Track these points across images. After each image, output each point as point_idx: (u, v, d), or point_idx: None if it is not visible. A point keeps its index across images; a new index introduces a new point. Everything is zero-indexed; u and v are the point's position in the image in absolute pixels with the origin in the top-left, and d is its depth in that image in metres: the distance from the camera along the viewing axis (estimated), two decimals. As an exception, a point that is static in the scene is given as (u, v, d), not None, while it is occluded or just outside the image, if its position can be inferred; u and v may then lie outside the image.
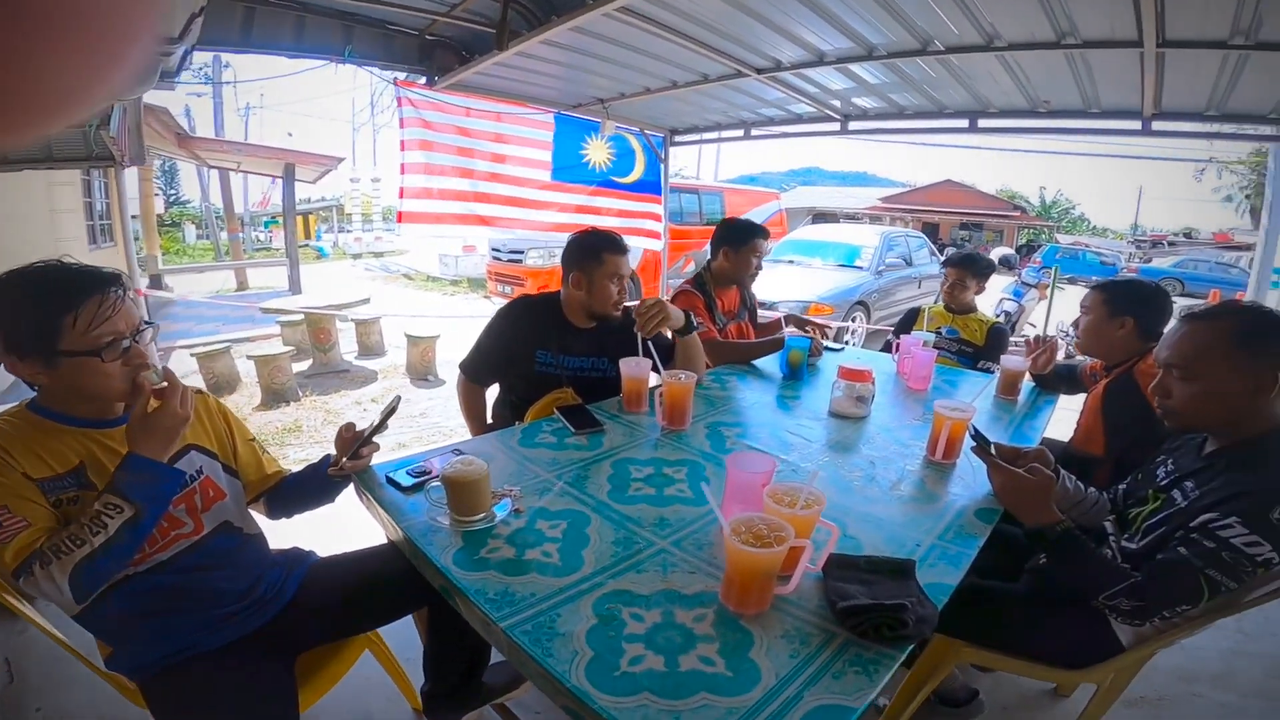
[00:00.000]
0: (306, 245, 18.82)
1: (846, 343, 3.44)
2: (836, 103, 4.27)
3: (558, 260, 2.76)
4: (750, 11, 2.86)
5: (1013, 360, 2.23)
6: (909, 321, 3.10)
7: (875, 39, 3.03)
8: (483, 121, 4.45)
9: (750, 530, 0.99)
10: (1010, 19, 2.57)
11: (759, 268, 2.73)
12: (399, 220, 4.02)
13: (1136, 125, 3.47)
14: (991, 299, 7.82)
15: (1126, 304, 1.97)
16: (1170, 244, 22.93)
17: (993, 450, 1.42)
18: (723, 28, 3.09)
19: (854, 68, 3.40)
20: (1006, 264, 7.87)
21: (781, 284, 6.86)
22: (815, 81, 3.83)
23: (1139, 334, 1.94)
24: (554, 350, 2.08)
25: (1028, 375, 2.32)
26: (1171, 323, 1.33)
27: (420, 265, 14.26)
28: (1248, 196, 22.74)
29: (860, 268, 7.37)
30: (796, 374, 2.30)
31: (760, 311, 6.55)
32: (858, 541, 1.23)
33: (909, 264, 8.06)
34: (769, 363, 2.51)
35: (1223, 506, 1.17)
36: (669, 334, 2.08)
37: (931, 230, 28.61)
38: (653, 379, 1.89)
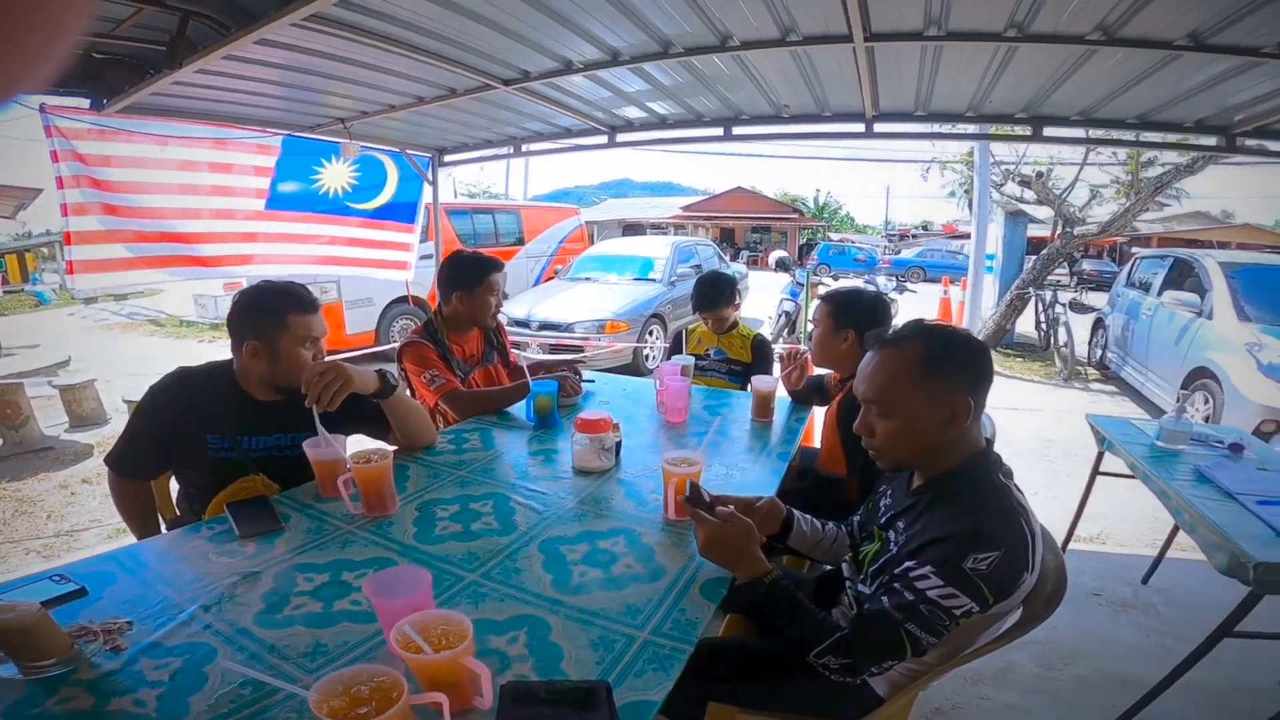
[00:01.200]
0: (20, 290, 15.28)
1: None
2: (600, 114, 4.17)
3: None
4: (480, 18, 2.59)
5: (763, 380, 2.17)
6: (678, 344, 3.03)
7: (616, 42, 2.92)
8: (193, 150, 3.69)
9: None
10: (737, 16, 2.56)
11: (499, 306, 2.44)
12: (69, 271, 3.14)
13: (860, 127, 3.75)
14: (774, 300, 8.39)
15: (847, 316, 1.97)
16: (914, 236, 27.17)
17: (709, 501, 1.28)
18: (453, 37, 2.78)
19: (603, 74, 3.28)
20: (783, 265, 8.48)
21: (577, 303, 6.72)
22: (570, 91, 3.68)
23: (861, 346, 1.96)
24: (230, 432, 1.62)
25: (784, 392, 2.30)
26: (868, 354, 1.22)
27: (173, 308, 12.11)
28: (966, 191, 27.49)
29: (654, 280, 7.48)
30: (547, 421, 2.06)
31: (552, 334, 6.32)
32: (558, 651, 1.01)
33: (701, 271, 8.38)
34: (524, 408, 2.24)
35: (920, 555, 1.07)
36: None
37: (729, 235, 30.91)
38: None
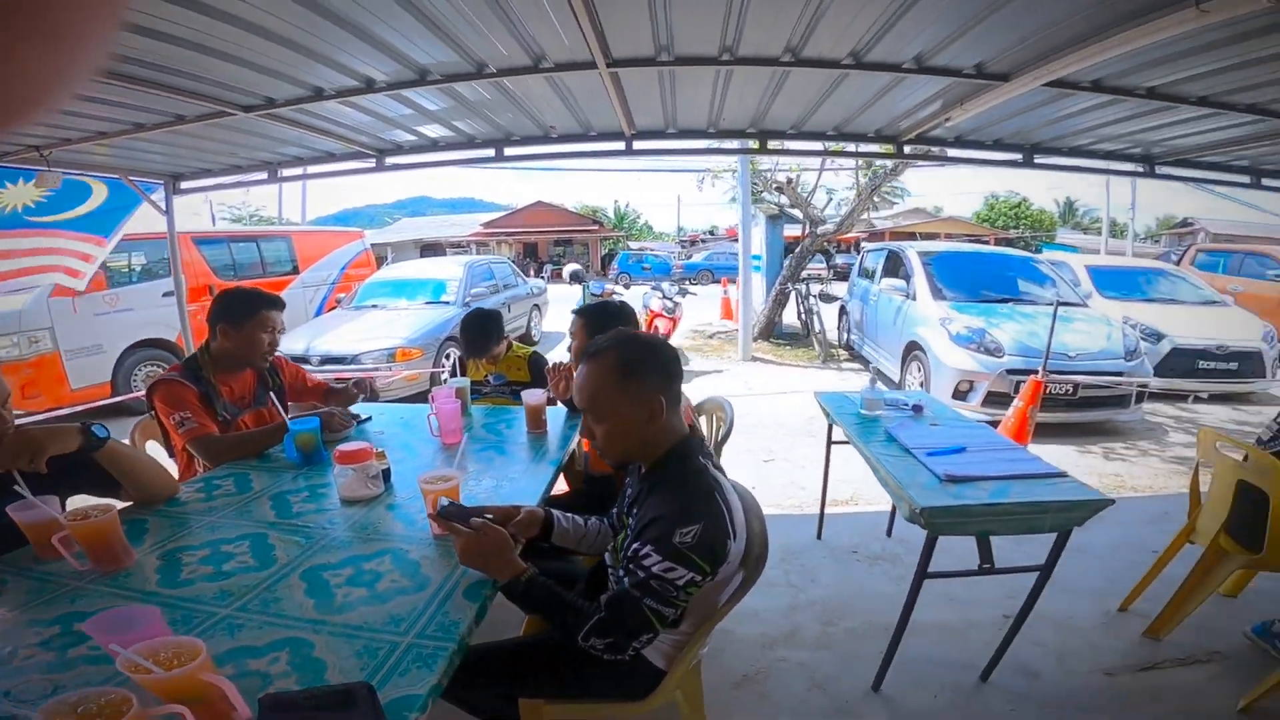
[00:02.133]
0: None
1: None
2: (364, 138, 4.02)
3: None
4: (208, 50, 2.39)
5: (532, 394, 2.29)
6: (460, 371, 3.06)
7: (370, 71, 2.85)
8: None
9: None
10: (488, 47, 2.64)
11: (274, 344, 2.29)
12: None
13: (621, 145, 4.05)
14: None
15: (598, 326, 2.10)
16: (703, 241, 29.66)
17: (471, 512, 1.37)
18: (177, 67, 2.55)
19: (360, 100, 3.18)
20: (576, 279, 8.77)
21: (363, 332, 6.34)
22: (326, 117, 3.50)
23: None
24: None
25: (557, 403, 2.43)
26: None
27: None
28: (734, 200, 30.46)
29: (448, 302, 7.31)
30: (312, 458, 1.98)
31: (335, 368, 5.88)
32: (322, 665, 1.04)
33: (498, 290, 8.35)
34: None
35: (642, 535, 1.23)
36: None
37: (532, 250, 31.00)
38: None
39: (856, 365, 7.87)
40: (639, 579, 1.20)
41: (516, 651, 1.43)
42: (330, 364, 5.93)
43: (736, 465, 4.59)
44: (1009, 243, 27.96)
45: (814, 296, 8.43)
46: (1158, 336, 6.18)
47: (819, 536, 3.38)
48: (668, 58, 2.75)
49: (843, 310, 8.70)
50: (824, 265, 23.93)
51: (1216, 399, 6.11)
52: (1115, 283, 7.27)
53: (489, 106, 3.46)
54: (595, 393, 1.31)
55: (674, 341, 9.26)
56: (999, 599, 2.69)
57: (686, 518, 1.20)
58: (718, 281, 18.73)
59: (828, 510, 3.43)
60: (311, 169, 4.68)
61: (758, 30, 2.49)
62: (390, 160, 4.41)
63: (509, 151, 4.19)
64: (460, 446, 2.05)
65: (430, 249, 27.46)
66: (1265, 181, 4.20)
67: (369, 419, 2.54)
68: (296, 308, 8.73)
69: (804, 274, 9.18)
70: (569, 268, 9.49)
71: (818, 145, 4.37)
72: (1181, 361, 6.07)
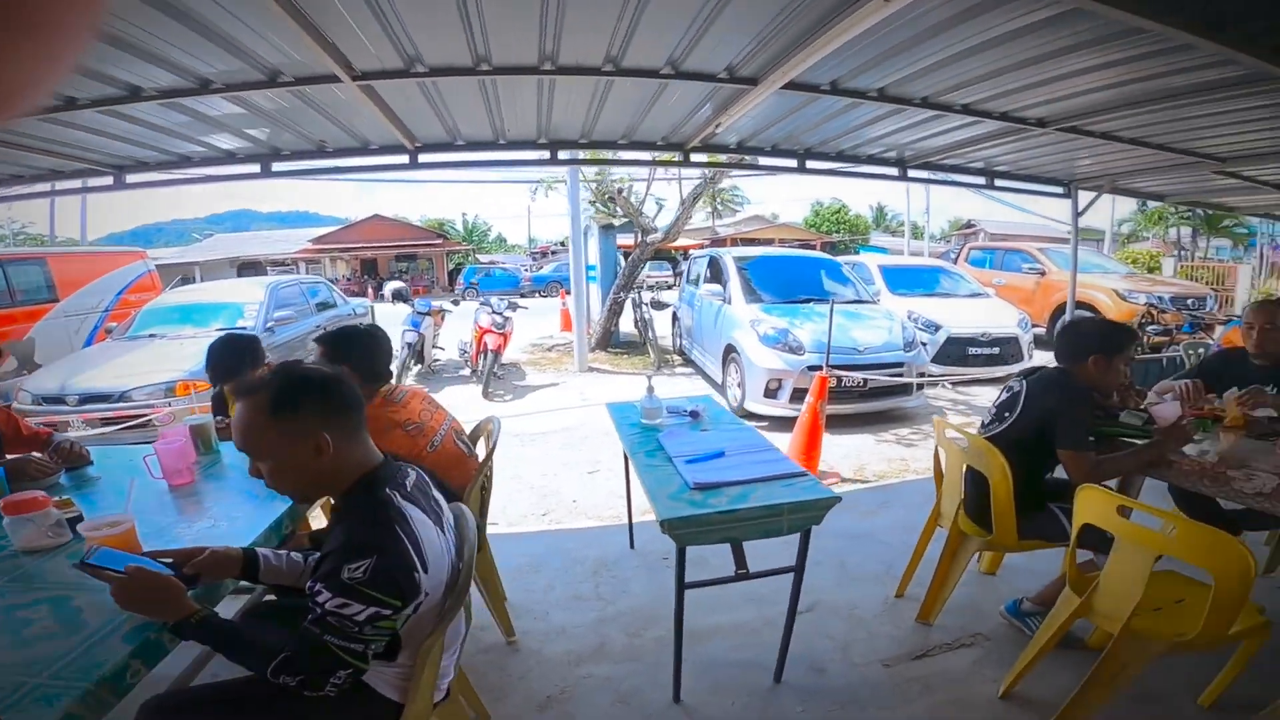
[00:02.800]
0: None
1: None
2: (96, 155, 3.46)
3: None
4: None
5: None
6: (219, 404, 2.70)
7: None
8: None
9: None
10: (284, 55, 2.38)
11: None
12: None
13: (405, 159, 3.85)
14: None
15: (339, 353, 2.00)
16: (553, 253, 29.57)
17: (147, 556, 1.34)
18: None
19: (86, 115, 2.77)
20: (399, 297, 8.26)
21: (137, 366, 5.48)
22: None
23: (361, 381, 1.97)
24: None
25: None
26: None
27: None
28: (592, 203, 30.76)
29: (245, 328, 6.54)
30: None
31: (101, 407, 5.06)
32: None
33: (310, 312, 7.65)
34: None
35: (316, 572, 1.18)
36: None
37: (370, 266, 29.06)
38: None
39: (689, 370, 8.13)
40: (316, 615, 1.15)
41: (236, 690, 1.35)
42: (93, 403, 5.07)
43: (562, 478, 4.53)
44: (832, 246, 30.78)
45: (646, 305, 8.61)
46: (936, 327, 6.99)
47: (631, 546, 3.38)
48: (488, 68, 2.68)
49: (675, 317, 8.97)
50: (670, 273, 24.74)
51: (984, 381, 7.03)
52: (902, 280, 8.15)
53: (239, 122, 3.13)
54: (246, 432, 1.24)
55: (511, 356, 9.05)
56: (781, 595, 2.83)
57: (357, 553, 1.14)
58: (569, 292, 18.70)
59: (644, 519, 3.41)
60: (60, 185, 4.02)
61: (509, 38, 2.43)
62: (132, 178, 3.85)
63: (278, 167, 3.82)
64: (190, 488, 1.85)
65: (250, 268, 24.81)
66: (998, 182, 4.86)
67: (90, 464, 2.24)
68: (57, 341, 7.45)
69: (638, 282, 9.36)
70: (390, 285, 8.93)
71: (607, 154, 4.42)
72: (955, 349, 6.91)
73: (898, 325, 5.88)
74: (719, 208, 45.75)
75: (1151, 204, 16.46)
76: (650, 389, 2.82)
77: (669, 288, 9.29)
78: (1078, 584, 1.96)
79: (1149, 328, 7.24)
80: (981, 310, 7.50)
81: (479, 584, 2.34)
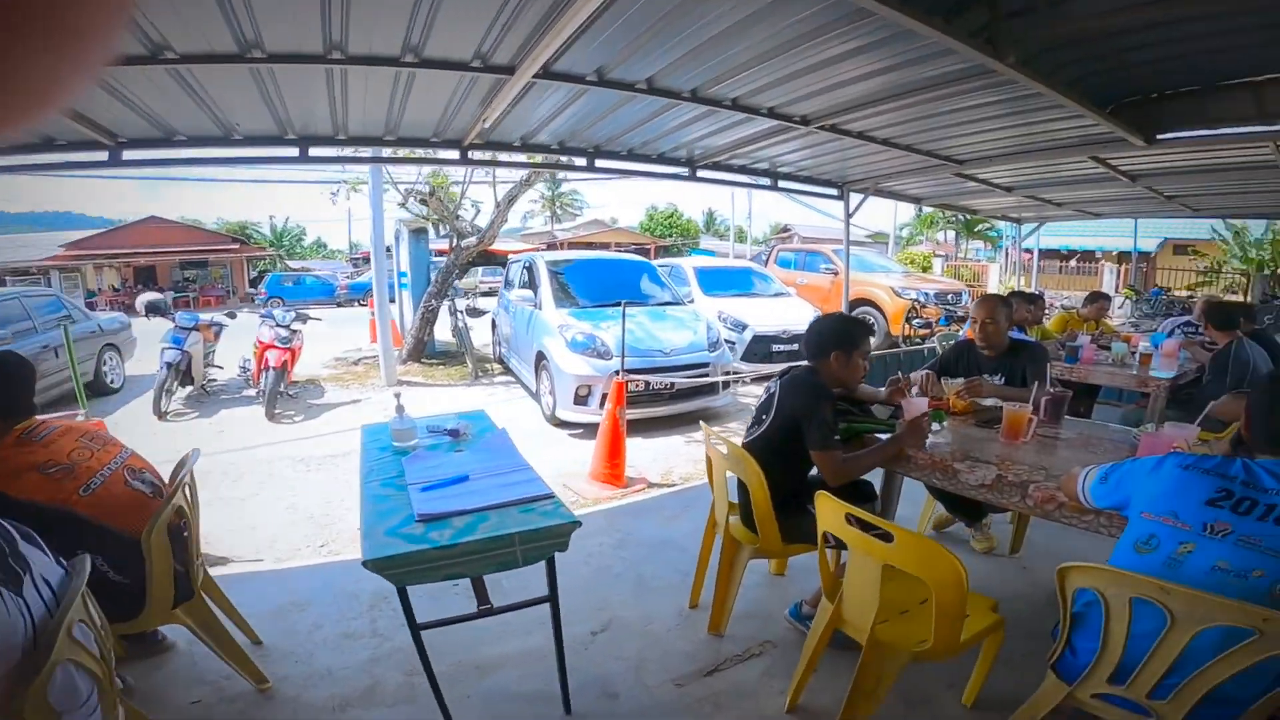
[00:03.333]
0: None
1: None
2: None
3: None
4: None
5: None
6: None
7: None
8: None
9: None
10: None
11: None
12: None
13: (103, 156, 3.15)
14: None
15: None
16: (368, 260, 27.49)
17: None
18: None
19: None
20: (154, 310, 7.01)
21: None
22: None
23: None
24: None
25: None
26: None
27: None
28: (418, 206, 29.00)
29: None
30: None
31: None
32: None
33: (34, 330, 6.24)
34: None
35: None
36: None
37: (148, 274, 25.00)
38: None
39: (509, 378, 7.79)
40: None
41: None
42: None
43: (348, 504, 4.04)
44: (665, 249, 31.91)
45: (462, 312, 8.13)
46: (743, 327, 7.30)
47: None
48: (260, 54, 2.33)
49: (494, 324, 8.58)
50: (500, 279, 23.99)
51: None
52: (715, 282, 8.46)
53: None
54: None
55: (309, 371, 8.10)
56: (590, 612, 2.67)
57: None
58: (392, 299, 17.39)
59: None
60: None
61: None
62: None
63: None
64: None
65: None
66: (781, 183, 5.10)
67: None
68: None
69: (471, 289, 8.82)
70: (143, 298, 7.55)
71: (368, 151, 4.00)
72: (761, 347, 7.26)
73: (704, 326, 6.01)
74: (558, 212, 45.80)
75: (926, 209, 18.92)
76: (400, 408, 2.48)
77: (471, 294, 8.86)
78: (831, 590, 1.95)
79: (914, 321, 8.16)
80: (783, 309, 7.98)
81: (196, 633, 2.06)
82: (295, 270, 24.96)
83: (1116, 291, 14.95)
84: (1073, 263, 18.85)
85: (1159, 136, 3.28)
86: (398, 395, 2.73)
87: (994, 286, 14.05)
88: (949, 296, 9.70)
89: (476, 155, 3.94)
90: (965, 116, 3.31)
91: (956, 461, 2.12)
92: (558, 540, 1.79)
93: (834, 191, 5.37)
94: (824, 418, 2.17)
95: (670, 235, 38.04)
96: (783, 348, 7.37)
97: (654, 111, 3.40)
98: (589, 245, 29.67)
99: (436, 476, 2.07)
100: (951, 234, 22.54)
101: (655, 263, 9.88)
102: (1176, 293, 14.57)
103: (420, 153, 4.01)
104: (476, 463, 2.19)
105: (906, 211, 23.01)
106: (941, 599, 1.57)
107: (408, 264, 8.97)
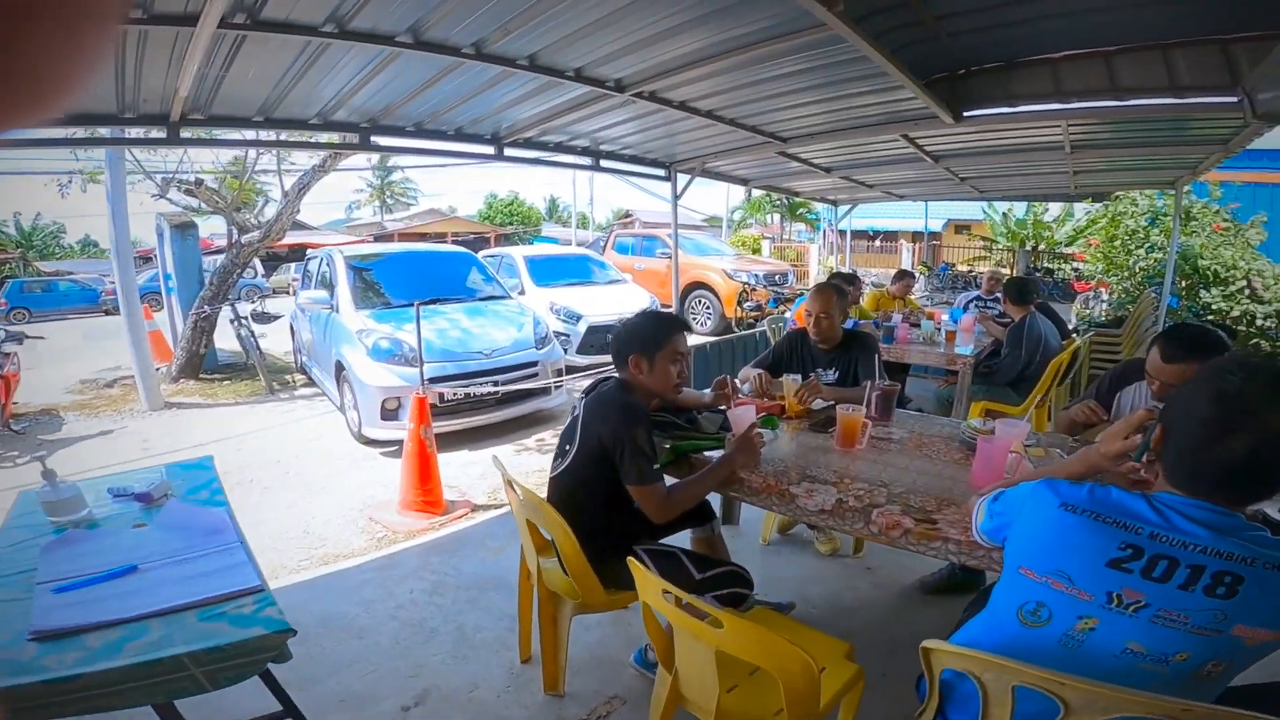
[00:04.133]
0: None
1: None
2: None
3: None
4: None
5: None
6: None
7: None
8: None
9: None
10: None
11: None
12: None
13: None
14: None
15: None
16: (154, 259, 23.46)
17: None
18: None
19: None
20: None
21: None
22: None
23: None
24: None
25: None
26: None
27: None
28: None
29: None
30: None
31: None
32: None
33: None
34: None
35: None
36: None
37: None
38: None
39: (314, 390, 6.74)
40: None
41: None
42: None
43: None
44: (506, 238, 30.70)
45: (246, 318, 6.90)
46: (577, 317, 6.91)
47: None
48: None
49: (293, 329, 7.41)
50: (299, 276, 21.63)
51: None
52: (548, 272, 7.97)
53: None
54: None
55: (45, 398, 6.47)
56: (401, 682, 2.22)
57: None
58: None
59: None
60: None
61: None
62: None
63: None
64: None
65: None
66: (604, 163, 4.70)
67: None
68: None
69: (264, 291, 7.50)
70: None
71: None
72: (596, 338, 6.91)
73: (530, 321, 5.51)
74: (388, 201, 42.30)
75: (756, 193, 19.79)
76: (49, 473, 1.74)
77: (257, 298, 7.61)
78: (665, 657, 1.57)
79: (745, 304, 8.28)
80: (619, 297, 7.71)
81: None
82: (47, 275, 20.53)
83: (912, 268, 16.69)
84: (877, 242, 20.85)
85: (966, 114, 3.31)
86: (42, 460, 1.96)
87: (814, 266, 14.97)
88: (776, 277, 10.04)
89: (190, 133, 3.09)
90: (788, 86, 3.11)
91: (793, 484, 1.85)
92: (259, 657, 1.24)
93: (661, 172, 5.09)
94: (637, 446, 1.78)
95: (511, 223, 36.70)
96: (620, 338, 7.09)
97: (434, 75, 2.82)
98: (423, 236, 27.72)
99: (87, 569, 1.41)
100: (777, 217, 23.92)
101: (490, 252, 9.21)
102: (959, 267, 16.59)
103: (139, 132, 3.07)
104: (159, 543, 1.55)
105: (738, 195, 24.09)
106: (789, 687, 1.25)
107: (173, 265, 7.47)
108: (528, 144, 4.13)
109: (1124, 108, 3.00)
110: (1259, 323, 5.48)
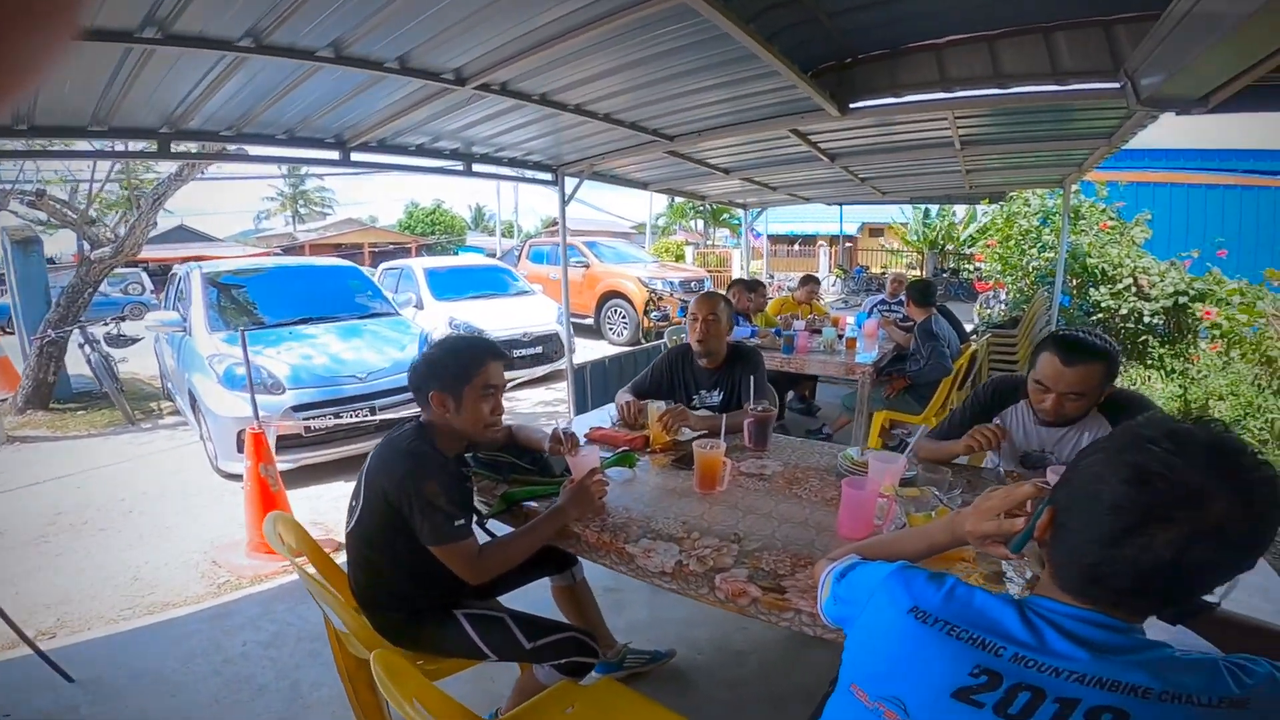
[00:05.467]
0: None
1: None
2: None
3: None
4: None
5: None
6: None
7: None
8: None
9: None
10: None
11: None
12: None
13: None
14: None
15: None
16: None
17: None
18: None
19: None
20: None
21: None
22: None
23: None
24: None
25: None
26: None
27: None
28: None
29: None
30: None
31: None
32: None
33: None
34: None
35: None
36: None
37: None
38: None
39: (179, 419, 6.03)
40: None
41: None
42: None
43: None
44: (429, 248, 29.60)
45: (98, 341, 6.13)
46: (478, 333, 6.48)
47: None
48: None
49: (157, 352, 6.65)
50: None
51: (530, 383, 6.83)
52: (450, 284, 7.50)
53: None
54: None
55: None
56: None
57: None
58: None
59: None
60: None
61: None
62: None
63: None
64: None
65: None
66: (478, 168, 4.30)
67: None
68: None
69: (91, 311, 6.68)
70: None
71: None
72: (500, 352, 6.51)
73: (415, 340, 5.05)
74: (300, 211, 40.09)
75: (678, 199, 19.78)
76: None
77: (114, 320, 6.77)
78: None
79: (652, 314, 8.05)
80: (525, 309, 7.33)
81: None
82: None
83: (830, 272, 17.02)
84: (796, 247, 21.22)
85: (852, 105, 3.14)
86: None
87: (736, 271, 15.00)
88: (692, 284, 9.89)
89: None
90: (658, 74, 2.82)
91: (631, 541, 1.56)
92: None
93: (548, 176, 4.74)
94: (427, 500, 1.47)
95: (434, 233, 35.46)
96: (525, 351, 6.72)
97: (221, 73, 2.38)
98: (337, 247, 26.40)
99: None
100: (701, 223, 24.04)
101: (389, 265, 8.64)
102: (874, 270, 17.04)
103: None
104: None
105: (662, 202, 24.04)
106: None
107: (15, 284, 6.59)
108: (381, 147, 3.72)
109: (1007, 95, 2.86)
110: (1146, 319, 5.65)
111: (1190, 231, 7.93)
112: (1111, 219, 6.31)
